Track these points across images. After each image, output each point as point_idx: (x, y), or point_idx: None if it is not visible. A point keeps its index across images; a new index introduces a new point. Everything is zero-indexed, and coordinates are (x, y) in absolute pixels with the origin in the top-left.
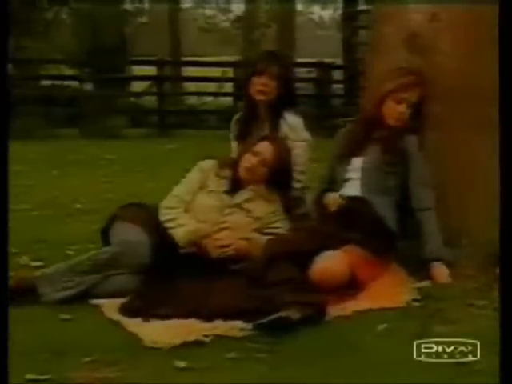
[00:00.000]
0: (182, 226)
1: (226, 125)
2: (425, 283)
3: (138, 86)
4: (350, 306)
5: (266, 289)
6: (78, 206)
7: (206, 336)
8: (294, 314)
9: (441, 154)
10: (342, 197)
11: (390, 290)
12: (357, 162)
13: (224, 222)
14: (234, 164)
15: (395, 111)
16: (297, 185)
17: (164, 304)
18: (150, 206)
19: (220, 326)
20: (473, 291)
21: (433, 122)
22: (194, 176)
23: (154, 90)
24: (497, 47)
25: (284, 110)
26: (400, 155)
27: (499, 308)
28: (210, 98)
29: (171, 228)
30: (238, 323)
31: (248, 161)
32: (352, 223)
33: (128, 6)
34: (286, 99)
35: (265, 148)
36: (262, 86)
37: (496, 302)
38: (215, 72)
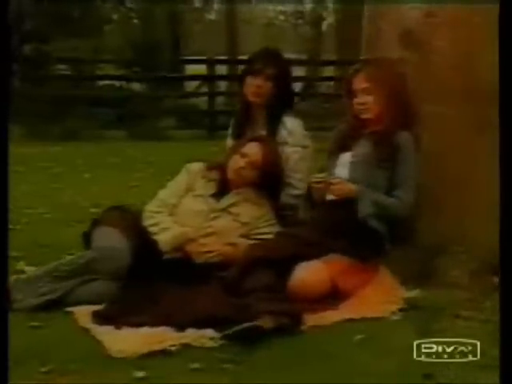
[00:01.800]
0: (165, 231)
1: None
2: (414, 292)
3: (190, 86)
4: (330, 316)
5: (242, 296)
6: (94, 210)
7: (172, 345)
8: (266, 323)
9: (437, 156)
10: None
11: (376, 300)
12: (346, 157)
13: (209, 226)
14: (222, 166)
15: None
16: (294, 191)
17: (139, 312)
18: (134, 210)
19: (190, 335)
20: (463, 302)
21: (429, 122)
22: (180, 179)
23: (206, 89)
24: (495, 44)
25: (282, 112)
26: (392, 150)
27: (499, 317)
28: None
29: (155, 233)
30: (210, 332)
31: (236, 162)
32: (336, 228)
33: (193, 4)
34: (283, 100)
35: (253, 149)
36: (256, 88)
37: (486, 313)
38: None
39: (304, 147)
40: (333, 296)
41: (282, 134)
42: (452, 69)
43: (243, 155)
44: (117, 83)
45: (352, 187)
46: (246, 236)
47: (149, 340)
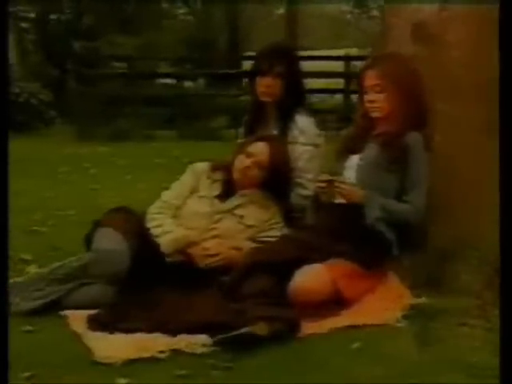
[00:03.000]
0: (168, 233)
1: (340, 125)
2: (422, 299)
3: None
4: (329, 323)
5: (240, 302)
6: None
7: (162, 352)
8: (261, 329)
9: (449, 156)
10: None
11: (381, 306)
12: (354, 160)
13: (214, 229)
14: (227, 167)
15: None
16: (304, 192)
17: (134, 317)
18: (137, 212)
19: (182, 341)
20: (471, 309)
21: (441, 122)
22: (185, 180)
23: None
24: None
25: (294, 111)
26: (401, 152)
27: (499, 326)
28: (326, 95)
29: (157, 235)
30: (203, 338)
31: (241, 162)
32: (342, 232)
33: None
34: (294, 98)
35: (260, 148)
36: (265, 88)
37: (494, 321)
38: (330, 67)
39: (316, 146)
40: (335, 302)
41: (294, 132)
42: (465, 66)
43: (249, 155)
44: (171, 81)
45: (359, 193)
46: (251, 239)
47: (138, 346)
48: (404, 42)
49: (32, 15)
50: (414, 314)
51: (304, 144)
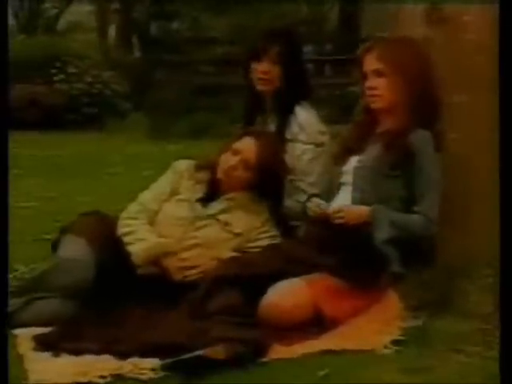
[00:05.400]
0: (140, 241)
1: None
2: (419, 321)
3: None
4: (304, 347)
5: (204, 320)
6: None
7: (103, 377)
8: (217, 352)
9: (463, 158)
10: (323, 205)
11: (369, 329)
12: (353, 162)
13: (193, 237)
14: (213, 165)
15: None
16: (303, 198)
17: (85, 336)
18: (110, 217)
19: (128, 365)
20: (474, 334)
21: (454, 117)
22: (164, 180)
23: None
24: None
25: (294, 102)
26: (405, 154)
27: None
28: None
29: (128, 243)
30: (153, 362)
31: (226, 161)
32: (331, 243)
33: None
34: (294, 87)
35: (247, 145)
36: (261, 74)
37: (497, 349)
38: None
39: (318, 145)
40: (315, 323)
41: (293, 128)
42: (485, 51)
43: (235, 152)
44: None
45: (363, 211)
46: (238, 249)
47: (78, 370)
48: (415, 24)
49: None
50: (406, 338)
51: (304, 142)
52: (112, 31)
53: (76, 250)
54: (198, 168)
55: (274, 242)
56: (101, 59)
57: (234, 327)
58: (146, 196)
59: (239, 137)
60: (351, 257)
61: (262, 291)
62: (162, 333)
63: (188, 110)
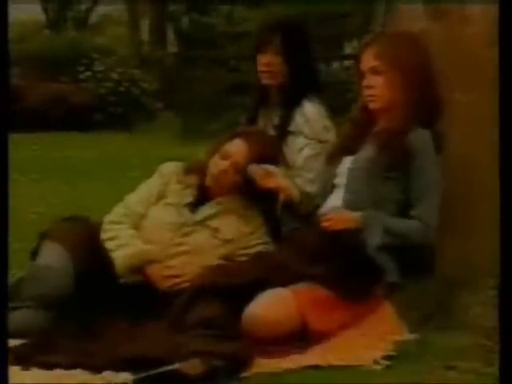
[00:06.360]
0: (122, 247)
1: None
2: (413, 335)
3: None
4: (288, 362)
5: (183, 332)
6: None
7: None
8: (193, 367)
9: (465, 160)
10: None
11: (360, 343)
12: (347, 163)
13: (181, 243)
14: (202, 169)
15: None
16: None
17: (58, 349)
18: (92, 222)
19: (98, 380)
20: (471, 349)
21: (456, 116)
22: (152, 183)
23: None
24: None
25: (301, 95)
26: (402, 154)
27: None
28: None
29: (110, 249)
30: (124, 376)
31: (215, 165)
32: (322, 250)
33: None
34: (301, 80)
35: (237, 147)
36: (265, 67)
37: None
38: None
39: (321, 142)
40: (301, 337)
41: (298, 120)
42: (489, 46)
43: (224, 155)
44: None
45: (353, 217)
46: (228, 257)
47: None
48: (415, 18)
49: None
50: (399, 353)
51: (308, 137)
52: (144, 26)
53: (52, 256)
54: (187, 171)
55: (265, 249)
56: (129, 55)
57: (212, 340)
58: (132, 198)
59: (229, 138)
60: (342, 265)
61: (247, 301)
62: (140, 346)
63: (223, 109)
